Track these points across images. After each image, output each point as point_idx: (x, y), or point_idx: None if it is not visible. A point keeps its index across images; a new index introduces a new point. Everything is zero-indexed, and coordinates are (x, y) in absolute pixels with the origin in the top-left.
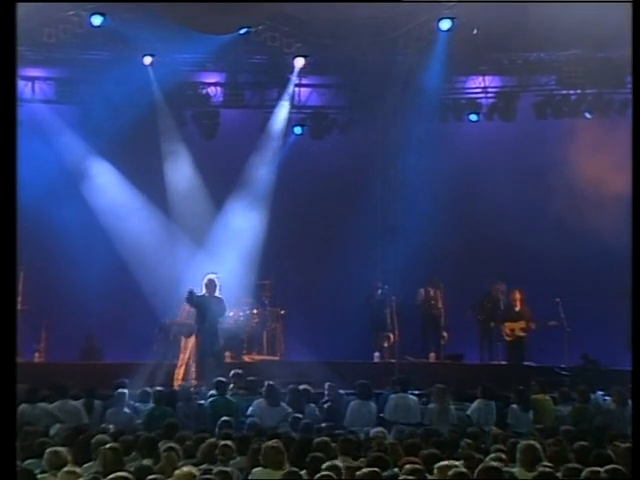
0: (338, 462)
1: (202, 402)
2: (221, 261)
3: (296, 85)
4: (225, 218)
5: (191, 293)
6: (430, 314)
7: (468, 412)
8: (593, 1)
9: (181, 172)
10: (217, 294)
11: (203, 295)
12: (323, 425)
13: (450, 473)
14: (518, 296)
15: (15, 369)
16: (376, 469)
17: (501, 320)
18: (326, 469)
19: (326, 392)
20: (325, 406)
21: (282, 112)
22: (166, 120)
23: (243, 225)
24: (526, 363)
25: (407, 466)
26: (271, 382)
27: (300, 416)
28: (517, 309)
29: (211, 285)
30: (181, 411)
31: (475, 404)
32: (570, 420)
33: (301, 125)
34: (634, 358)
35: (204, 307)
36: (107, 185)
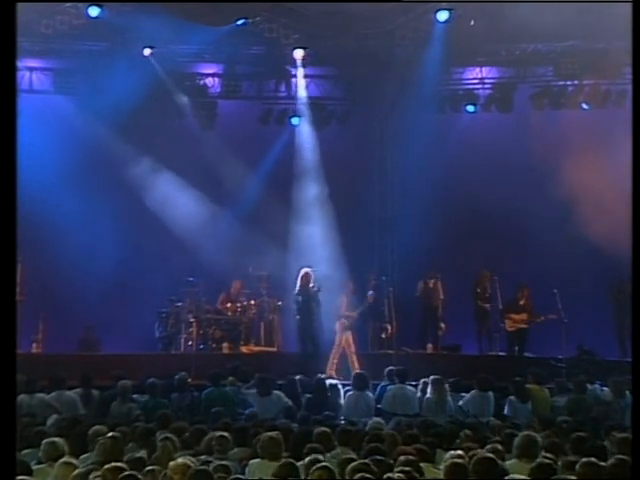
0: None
1: (196, 393)
2: (221, 253)
3: (294, 76)
4: (223, 210)
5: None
6: (430, 306)
7: (460, 403)
8: (594, 1)
9: (177, 164)
10: (312, 286)
11: (300, 288)
12: (321, 416)
13: (447, 464)
14: (525, 292)
15: (15, 361)
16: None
17: (504, 311)
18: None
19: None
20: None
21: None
22: (164, 111)
23: (240, 217)
24: (525, 354)
25: (401, 457)
26: (262, 374)
27: (294, 406)
28: (521, 303)
29: (306, 278)
30: (175, 402)
31: (469, 395)
32: (566, 411)
33: (298, 116)
34: (634, 353)
35: (300, 300)
36: (106, 177)
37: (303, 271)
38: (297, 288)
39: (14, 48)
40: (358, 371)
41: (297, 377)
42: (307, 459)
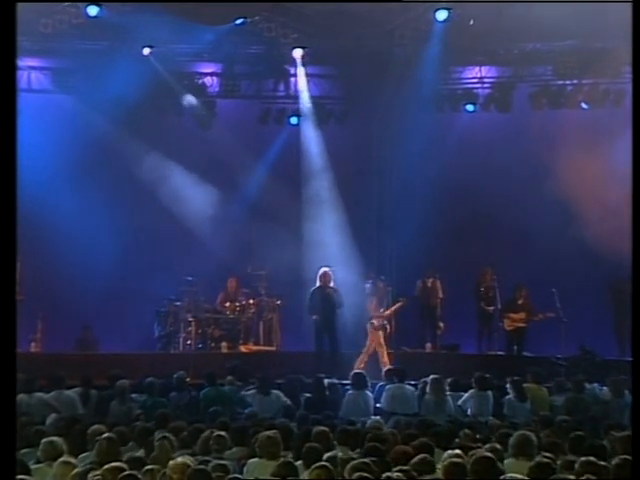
0: (337, 452)
1: (195, 393)
2: (219, 252)
3: (293, 75)
4: (222, 209)
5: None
6: (428, 305)
7: (459, 402)
8: (593, 1)
9: (175, 163)
10: (332, 285)
11: (318, 287)
12: (320, 416)
13: (445, 464)
14: (523, 292)
15: (15, 360)
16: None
17: (503, 310)
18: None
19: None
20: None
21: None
22: (163, 110)
23: (239, 216)
24: (523, 353)
25: (415, 459)
26: (263, 374)
27: (292, 405)
28: (520, 302)
29: (326, 277)
30: (174, 401)
31: (468, 394)
32: (564, 410)
33: (297, 115)
34: (634, 353)
35: (318, 299)
36: (105, 177)
37: (322, 270)
38: (316, 286)
39: (14, 47)
40: (357, 370)
41: (296, 376)
42: (326, 455)
